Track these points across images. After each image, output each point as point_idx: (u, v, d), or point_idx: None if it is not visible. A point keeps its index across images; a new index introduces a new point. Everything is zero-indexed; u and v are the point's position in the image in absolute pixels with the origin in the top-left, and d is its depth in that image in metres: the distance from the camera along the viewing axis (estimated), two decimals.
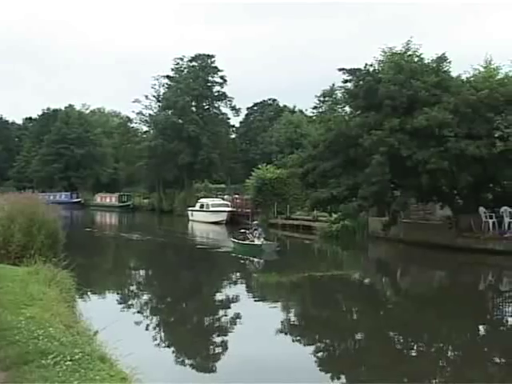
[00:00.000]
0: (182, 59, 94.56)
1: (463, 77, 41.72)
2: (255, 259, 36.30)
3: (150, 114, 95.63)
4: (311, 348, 17.65)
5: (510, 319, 22.47)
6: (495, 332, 20.18)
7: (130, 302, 24.74)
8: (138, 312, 22.41)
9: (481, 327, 21.11)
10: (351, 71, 41.15)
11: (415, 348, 18.01)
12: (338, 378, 15.31)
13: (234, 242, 40.44)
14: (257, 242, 38.02)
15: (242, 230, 40.41)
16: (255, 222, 42.08)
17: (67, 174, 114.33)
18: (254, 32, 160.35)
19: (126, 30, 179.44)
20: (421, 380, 14.53)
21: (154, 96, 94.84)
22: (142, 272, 35.60)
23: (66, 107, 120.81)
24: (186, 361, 16.44)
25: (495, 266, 34.79)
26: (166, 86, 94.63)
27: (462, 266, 34.77)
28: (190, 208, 74.08)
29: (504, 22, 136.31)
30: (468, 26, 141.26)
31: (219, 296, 26.60)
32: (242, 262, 36.35)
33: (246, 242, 38.51)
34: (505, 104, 36.62)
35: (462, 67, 45.16)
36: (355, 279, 32.90)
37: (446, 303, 24.45)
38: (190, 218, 72.34)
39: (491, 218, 38.01)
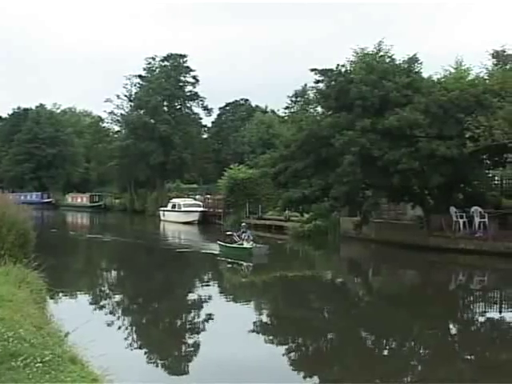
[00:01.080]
0: (153, 59, 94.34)
1: (434, 78, 42.11)
2: (244, 263, 34.63)
3: (121, 114, 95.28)
4: (284, 348, 17.64)
5: (480, 318, 22.63)
6: (466, 330, 20.33)
7: (101, 303, 24.59)
8: (110, 313, 22.29)
9: (452, 326, 21.28)
10: (323, 72, 41.21)
11: (387, 347, 18.09)
12: (311, 378, 15.31)
13: (220, 244, 37.98)
14: (246, 245, 35.99)
15: (229, 233, 38.24)
16: (243, 224, 39.46)
17: (38, 173, 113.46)
18: (226, 32, 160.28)
19: (98, 29, 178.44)
20: (393, 379, 14.57)
21: (125, 96, 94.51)
22: (113, 273, 35.43)
23: (36, 106, 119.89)
24: (159, 361, 16.35)
25: (466, 265, 35.10)
26: (138, 85, 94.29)
27: (433, 266, 34.99)
28: (162, 208, 73.90)
29: (475, 23, 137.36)
30: (440, 27, 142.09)
31: (192, 296, 26.52)
32: (230, 265, 34.76)
33: (235, 245, 36.47)
34: (475, 105, 36.87)
35: (433, 68, 45.51)
36: (327, 279, 32.99)
37: (417, 302, 24.58)
38: (162, 218, 72.15)
39: (462, 217, 38.27)
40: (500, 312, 23.95)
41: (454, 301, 26.32)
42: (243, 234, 36.79)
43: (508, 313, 23.66)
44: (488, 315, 23.10)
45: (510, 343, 18.33)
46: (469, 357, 17.12)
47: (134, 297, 26.51)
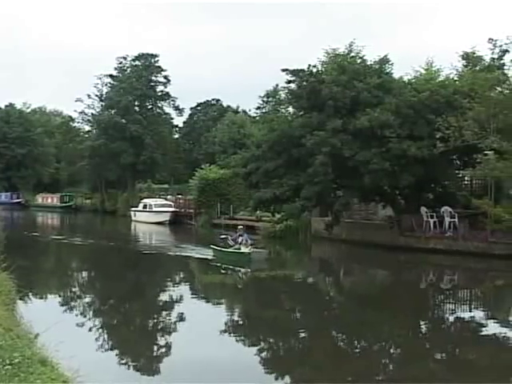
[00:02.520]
0: (125, 58, 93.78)
1: (405, 78, 42.27)
2: (242, 269, 32.54)
3: (92, 114, 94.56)
4: (255, 348, 17.64)
5: (450, 317, 22.80)
6: (437, 329, 20.44)
7: (72, 304, 24.40)
8: (81, 314, 22.13)
9: (423, 325, 21.40)
10: (294, 72, 41.13)
11: (358, 346, 18.14)
12: (283, 378, 15.32)
13: (215, 249, 35.42)
14: (244, 249, 33.50)
15: (223, 236, 36.26)
16: (240, 227, 36.50)
17: (8, 174, 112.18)
18: (198, 32, 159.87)
19: (69, 27, 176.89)
20: (365, 378, 14.62)
21: (96, 95, 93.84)
22: (84, 275, 35.13)
23: (6, 106, 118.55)
24: (130, 362, 16.27)
25: (436, 264, 35.36)
26: (109, 85, 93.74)
27: (404, 265, 35.20)
28: (133, 208, 73.61)
29: (445, 25, 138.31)
30: (411, 29, 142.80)
31: (163, 297, 26.42)
32: (223, 271, 33.01)
33: (231, 250, 33.96)
34: (445, 106, 37.15)
35: (404, 69, 45.75)
36: (299, 279, 33.03)
37: (388, 302, 24.74)
38: (133, 218, 71.85)
39: (432, 217, 38.55)
40: (470, 311, 24.18)
41: (424, 300, 26.47)
42: (240, 238, 34.51)
43: (478, 311, 23.85)
44: (458, 314, 23.31)
45: (480, 341, 18.48)
46: (439, 355, 17.22)
47: (105, 299, 26.35)
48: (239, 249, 33.71)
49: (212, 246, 35.86)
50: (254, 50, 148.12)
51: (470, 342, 18.60)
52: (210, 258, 35.09)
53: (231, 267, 32.87)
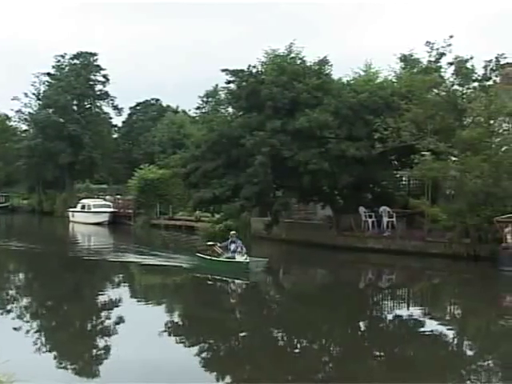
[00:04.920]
0: (63, 56, 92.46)
1: (344, 80, 42.68)
2: (237, 281, 29.64)
3: (29, 113, 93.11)
4: (196, 349, 17.55)
5: (389, 315, 23.03)
6: (375, 327, 20.64)
7: (7, 308, 23.96)
8: (18, 317, 21.72)
9: (362, 323, 21.59)
10: (234, 72, 41.13)
11: (299, 346, 18.18)
12: (223, 378, 15.29)
13: (201, 257, 31.76)
14: (239, 258, 30.34)
15: (211, 243, 32.51)
16: (232, 233, 32.49)
17: None
18: (137, 31, 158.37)
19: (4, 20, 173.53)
20: (305, 377, 14.67)
21: (33, 94, 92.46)
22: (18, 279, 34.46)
23: None
24: (68, 365, 16.04)
25: (375, 263, 35.76)
26: (47, 83, 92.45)
27: (343, 265, 35.46)
28: (71, 209, 72.76)
29: (384, 28, 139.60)
30: (351, 31, 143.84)
31: (102, 299, 26.10)
32: (210, 282, 29.93)
33: (224, 259, 30.67)
34: (384, 107, 37.63)
35: (343, 70, 46.15)
36: (236, 279, 32.94)
37: (328, 301, 24.88)
38: (71, 219, 71.01)
39: (371, 217, 39.00)
40: (408, 309, 24.49)
41: (363, 299, 26.71)
42: (232, 245, 31.10)
43: (415, 309, 24.14)
44: (396, 312, 23.55)
45: (418, 339, 18.71)
46: (378, 353, 17.39)
47: (43, 301, 25.97)
48: (233, 257, 30.54)
49: (198, 255, 32.23)
50: (194, 50, 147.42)
51: (407, 339, 18.83)
52: (185, 266, 32.28)
53: (222, 278, 30.04)
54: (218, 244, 31.89)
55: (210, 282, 29.73)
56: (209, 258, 31.26)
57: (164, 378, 14.23)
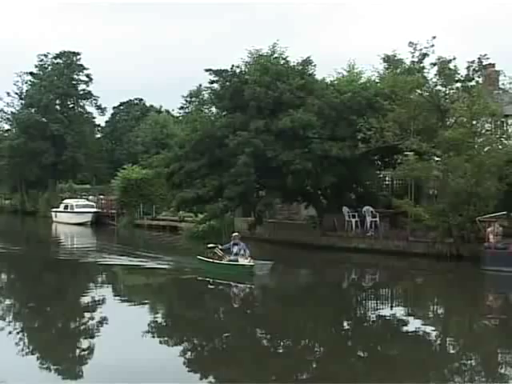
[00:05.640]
0: (46, 56, 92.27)
1: (327, 80, 42.77)
2: (240, 285, 28.30)
3: (12, 112, 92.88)
4: (179, 348, 17.52)
5: (372, 314, 23.07)
6: (359, 327, 20.67)
7: None
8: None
9: (345, 323, 21.62)
10: (218, 72, 41.27)
11: (282, 345, 18.18)
12: (206, 378, 15.26)
13: (203, 260, 30.58)
14: (242, 261, 28.99)
15: (211, 245, 30.82)
16: (235, 234, 30.87)
17: None
18: (121, 31, 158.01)
19: None
20: (289, 377, 14.68)
21: (16, 93, 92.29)
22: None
23: None
24: (52, 366, 15.93)
25: (358, 263, 35.84)
26: (30, 83, 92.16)
27: (326, 265, 35.50)
28: (54, 209, 72.50)
29: (367, 28, 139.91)
30: (334, 31, 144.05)
31: (84, 299, 25.97)
32: (212, 286, 28.52)
33: (227, 263, 29.30)
34: (367, 107, 37.74)
35: (326, 70, 46.21)
36: (220, 279, 32.88)
37: (312, 301, 24.86)
38: (54, 219, 70.78)
39: (354, 217, 39.11)
40: (391, 308, 24.54)
41: (347, 298, 26.77)
42: (235, 247, 29.75)
43: (398, 309, 24.23)
44: (380, 311, 23.58)
45: (401, 338, 18.76)
46: (362, 353, 17.41)
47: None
48: (236, 260, 29.25)
49: (199, 257, 30.95)
50: (175, 50, 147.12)
51: (391, 339, 18.86)
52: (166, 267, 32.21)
53: (224, 282, 28.63)
54: (220, 246, 30.38)
55: (211, 286, 28.38)
56: (211, 261, 29.93)
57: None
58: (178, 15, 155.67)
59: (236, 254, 29.41)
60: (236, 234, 31.04)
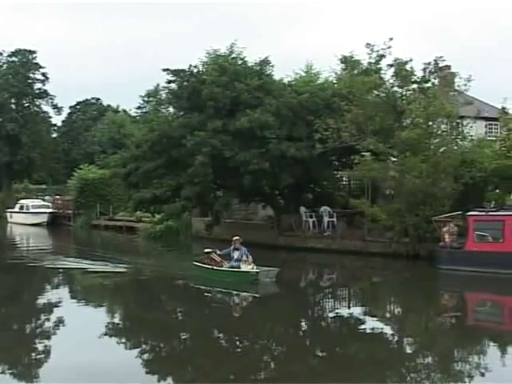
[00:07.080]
0: (0, 54, 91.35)
1: (285, 80, 42.90)
2: (242, 293, 25.96)
3: None
4: (137, 350, 17.40)
5: (330, 314, 23.17)
6: (317, 327, 20.77)
7: None
8: None
9: (303, 323, 21.67)
10: (175, 72, 41.00)
11: (241, 346, 18.18)
12: (165, 379, 15.20)
13: (199, 266, 28.42)
14: (245, 267, 26.55)
15: (208, 250, 28.42)
16: (236, 238, 27.96)
17: None
18: (76, 30, 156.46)
19: None
20: (247, 377, 14.67)
21: None
22: None
23: None
24: (7, 370, 15.68)
25: (316, 263, 36.03)
26: None
27: (284, 264, 35.33)
28: (9, 210, 71.73)
29: (325, 29, 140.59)
30: (293, 32, 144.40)
31: (40, 301, 25.67)
32: (208, 294, 26.46)
33: (227, 269, 27.03)
34: (324, 108, 37.95)
35: (285, 71, 46.39)
36: (179, 279, 32.80)
37: (270, 300, 24.90)
38: (9, 220, 70.09)
39: (311, 217, 39.29)
40: (349, 307, 24.68)
41: (305, 298, 26.81)
42: (235, 252, 27.44)
43: (356, 308, 24.36)
44: (337, 311, 23.71)
45: (359, 337, 18.83)
46: (320, 352, 17.49)
47: None
48: (238, 267, 26.96)
49: (195, 263, 28.89)
50: (133, 49, 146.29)
51: (349, 338, 18.94)
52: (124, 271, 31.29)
53: (222, 290, 26.60)
54: (217, 251, 28.06)
55: (208, 294, 26.40)
56: (210, 267, 27.50)
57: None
58: (140, 15, 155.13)
59: (238, 260, 27.02)
60: (237, 237, 28.06)
